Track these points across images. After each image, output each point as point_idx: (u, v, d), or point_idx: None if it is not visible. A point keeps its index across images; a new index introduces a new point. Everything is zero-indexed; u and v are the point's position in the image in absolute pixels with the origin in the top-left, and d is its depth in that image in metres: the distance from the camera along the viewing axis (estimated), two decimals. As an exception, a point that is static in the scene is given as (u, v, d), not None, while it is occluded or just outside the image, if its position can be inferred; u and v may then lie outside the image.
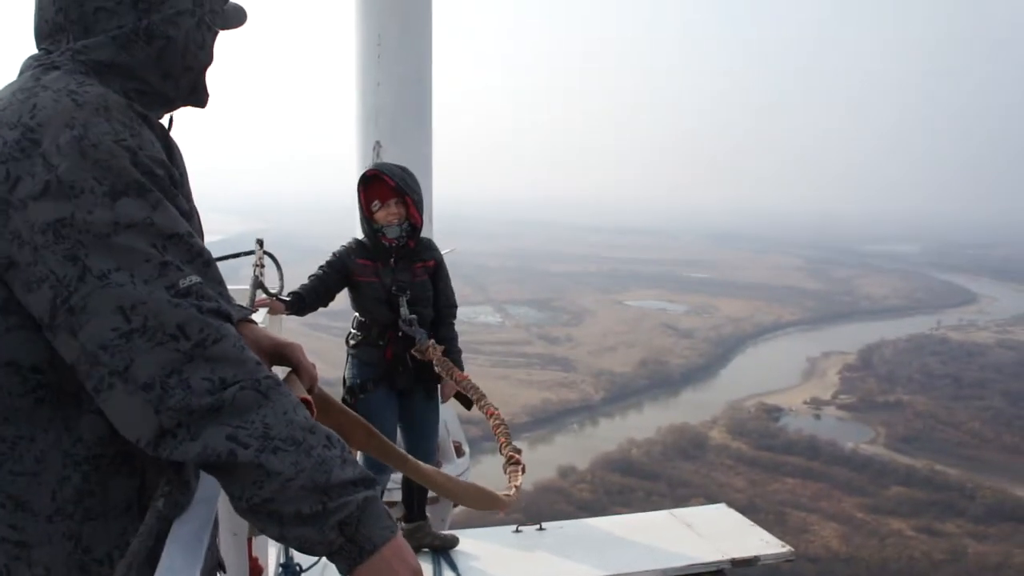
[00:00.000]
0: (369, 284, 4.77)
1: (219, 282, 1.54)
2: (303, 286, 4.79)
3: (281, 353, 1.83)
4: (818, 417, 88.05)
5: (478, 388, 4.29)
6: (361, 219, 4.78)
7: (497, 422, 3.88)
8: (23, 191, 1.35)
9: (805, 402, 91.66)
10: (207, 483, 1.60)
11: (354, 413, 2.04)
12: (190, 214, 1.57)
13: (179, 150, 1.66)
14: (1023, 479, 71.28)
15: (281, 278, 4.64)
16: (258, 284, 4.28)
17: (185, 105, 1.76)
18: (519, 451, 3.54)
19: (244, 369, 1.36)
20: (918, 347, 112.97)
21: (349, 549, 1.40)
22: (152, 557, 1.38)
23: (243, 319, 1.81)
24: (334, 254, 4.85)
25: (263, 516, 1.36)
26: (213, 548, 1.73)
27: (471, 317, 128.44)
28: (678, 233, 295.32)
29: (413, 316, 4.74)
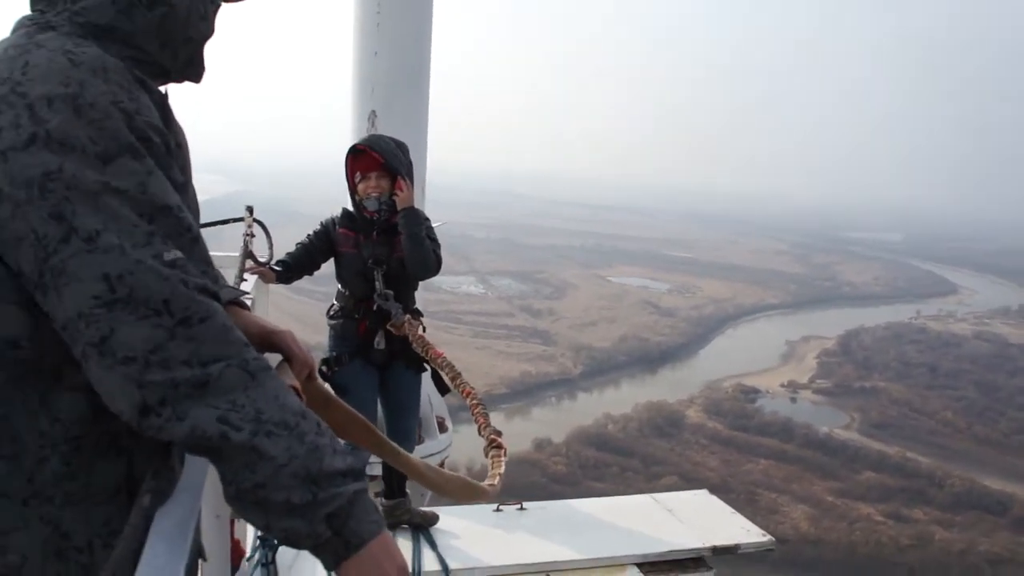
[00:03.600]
0: (348, 255, 4.72)
1: (206, 261, 1.44)
2: (289, 254, 4.81)
3: (270, 341, 1.77)
4: (794, 400, 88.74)
5: (454, 366, 4.16)
6: (349, 190, 4.74)
7: (475, 402, 3.78)
8: (5, 141, 1.25)
9: (782, 385, 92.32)
10: (192, 470, 1.51)
11: (351, 409, 2.02)
12: (184, 187, 1.48)
13: (177, 120, 1.58)
14: (991, 469, 72.25)
15: (270, 247, 4.69)
16: (247, 253, 4.31)
17: (181, 79, 1.69)
18: (499, 433, 3.42)
19: (231, 349, 1.29)
20: (896, 335, 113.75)
21: (336, 543, 1.34)
22: (134, 549, 1.33)
23: (232, 301, 1.76)
24: (320, 223, 4.82)
25: (250, 504, 1.29)
26: (195, 535, 1.65)
27: (454, 287, 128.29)
28: (661, 212, 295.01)
29: (389, 291, 4.68)
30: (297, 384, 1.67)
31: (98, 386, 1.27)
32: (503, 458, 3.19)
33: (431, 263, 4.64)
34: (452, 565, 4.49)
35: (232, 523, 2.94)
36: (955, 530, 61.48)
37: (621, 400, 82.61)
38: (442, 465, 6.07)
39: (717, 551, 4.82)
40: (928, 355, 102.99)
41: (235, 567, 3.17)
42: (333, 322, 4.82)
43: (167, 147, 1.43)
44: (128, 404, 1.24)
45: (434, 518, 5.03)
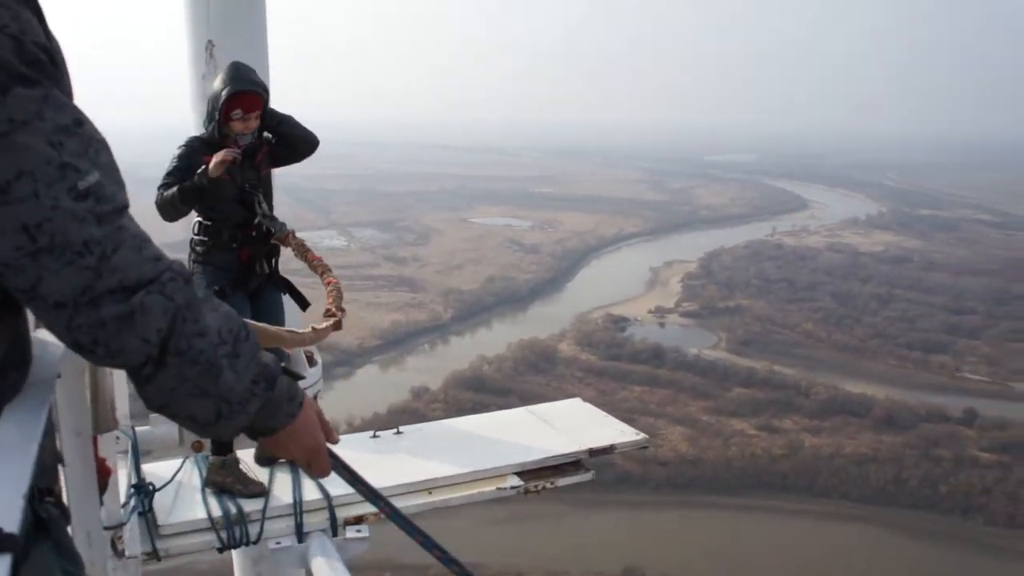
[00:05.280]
0: (223, 183, 4.45)
1: (114, 168, 1.40)
2: (165, 196, 4.45)
3: None
4: (663, 325, 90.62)
5: (327, 266, 4.46)
6: (213, 122, 4.46)
7: (331, 288, 4.11)
8: None
9: (650, 311, 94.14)
10: (43, 364, 1.57)
11: None
12: (71, 93, 1.42)
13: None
14: (853, 375, 75.83)
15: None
16: None
17: None
18: (343, 310, 3.90)
19: (148, 269, 1.34)
20: (755, 253, 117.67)
21: (252, 435, 1.56)
22: None
23: None
24: (179, 157, 4.48)
25: (165, 414, 1.46)
26: (50, 440, 1.63)
27: (315, 242, 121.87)
28: (522, 150, 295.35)
29: (268, 210, 4.69)
30: None
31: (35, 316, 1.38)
32: (328, 324, 3.65)
33: (313, 136, 4.72)
34: (333, 492, 4.40)
35: (95, 440, 2.73)
36: (823, 435, 64.41)
37: (494, 341, 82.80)
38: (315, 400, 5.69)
39: (594, 452, 4.97)
40: (786, 270, 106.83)
41: (102, 485, 2.97)
42: (207, 256, 4.59)
43: (54, 62, 1.35)
44: (64, 341, 1.35)
45: None
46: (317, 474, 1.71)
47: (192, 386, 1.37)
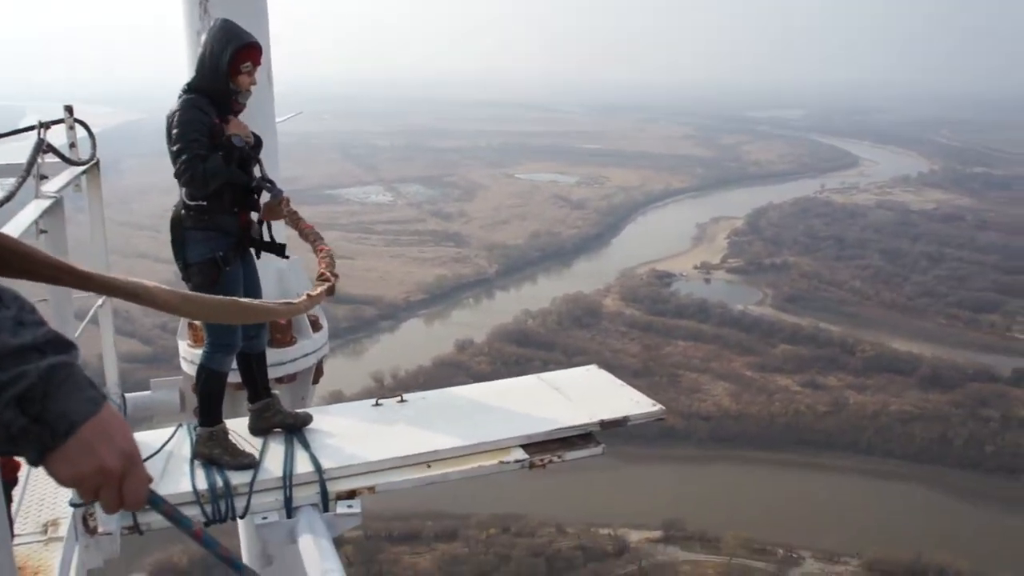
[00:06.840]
0: (228, 145, 4.30)
1: None
2: (207, 169, 4.19)
3: None
4: (708, 281, 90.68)
5: (319, 234, 4.58)
6: (219, 77, 4.25)
7: (324, 255, 4.16)
8: None
9: (695, 267, 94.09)
10: None
11: (27, 245, 1.68)
12: None
13: None
14: (899, 332, 75.27)
15: (93, 146, 4.42)
16: (43, 147, 3.73)
17: None
18: (336, 275, 3.90)
19: None
20: (803, 210, 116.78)
21: (37, 432, 1.08)
22: None
23: None
24: (196, 121, 4.20)
25: None
26: None
27: (362, 197, 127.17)
28: (566, 107, 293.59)
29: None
30: None
31: None
32: (321, 288, 3.64)
33: None
34: (326, 465, 4.33)
35: None
36: (868, 393, 64.25)
37: (538, 295, 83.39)
38: (320, 366, 5.96)
39: (605, 425, 4.79)
40: (834, 227, 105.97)
41: (10, 481, 2.84)
42: (210, 221, 4.35)
43: None
44: None
45: (307, 418, 4.82)
46: (131, 497, 1.18)
47: None
